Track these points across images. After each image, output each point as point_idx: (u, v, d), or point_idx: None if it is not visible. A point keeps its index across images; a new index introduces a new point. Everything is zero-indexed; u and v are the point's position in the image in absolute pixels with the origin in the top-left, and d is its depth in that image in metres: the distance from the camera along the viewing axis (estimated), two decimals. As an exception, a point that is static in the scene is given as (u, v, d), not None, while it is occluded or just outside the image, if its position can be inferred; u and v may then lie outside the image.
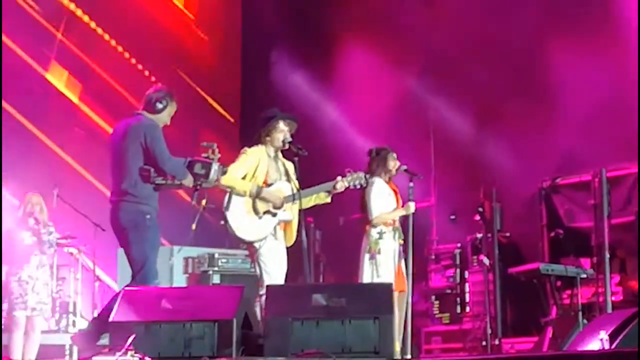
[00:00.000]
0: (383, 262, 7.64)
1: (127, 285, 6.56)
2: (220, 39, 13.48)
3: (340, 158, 11.00)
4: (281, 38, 12.73)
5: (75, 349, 9.53)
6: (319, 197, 7.21)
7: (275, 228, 7.02)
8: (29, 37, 11.61)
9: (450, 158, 11.44)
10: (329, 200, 7.27)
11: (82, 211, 9.97)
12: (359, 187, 7.30)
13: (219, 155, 6.58)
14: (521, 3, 10.87)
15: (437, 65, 11.84)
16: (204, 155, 6.61)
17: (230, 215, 6.92)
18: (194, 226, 7.39)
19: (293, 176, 7.15)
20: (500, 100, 10.97)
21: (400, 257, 7.74)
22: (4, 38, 11.18)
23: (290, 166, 7.20)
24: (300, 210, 7.06)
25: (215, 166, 6.53)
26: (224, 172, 6.66)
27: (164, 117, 6.74)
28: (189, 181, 6.56)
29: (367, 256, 7.70)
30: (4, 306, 8.18)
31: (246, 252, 9.10)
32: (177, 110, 6.85)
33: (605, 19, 10.12)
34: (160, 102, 6.67)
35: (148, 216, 6.50)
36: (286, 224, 7.10)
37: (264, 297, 6.58)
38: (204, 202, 6.82)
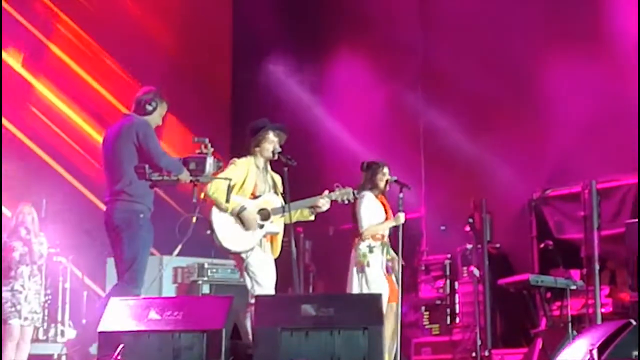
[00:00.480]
0: (372, 276, 7.63)
1: (114, 286, 6.57)
2: (210, 44, 13.44)
3: (331, 168, 11.04)
4: (272, 47, 12.71)
5: (63, 358, 9.52)
6: (302, 214, 7.14)
7: (261, 240, 6.99)
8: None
9: (440, 169, 11.45)
10: (312, 218, 7.22)
11: (71, 220, 9.94)
12: (347, 202, 7.26)
13: (212, 149, 6.60)
14: (514, 15, 10.89)
15: (429, 76, 11.88)
16: (197, 151, 6.62)
17: (216, 225, 6.89)
18: (194, 219, 7.41)
19: (280, 189, 7.13)
20: (491, 111, 11.00)
21: (391, 270, 7.72)
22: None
23: (278, 179, 7.17)
24: (286, 224, 7.04)
25: (209, 160, 6.57)
26: (219, 166, 6.67)
27: (155, 118, 6.76)
28: (185, 176, 6.56)
29: (354, 269, 7.69)
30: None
31: (235, 262, 9.12)
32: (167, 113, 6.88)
33: (598, 31, 10.14)
34: (150, 104, 6.70)
35: (141, 215, 6.51)
36: (272, 236, 7.08)
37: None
38: (202, 195, 6.82)
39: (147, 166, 6.52)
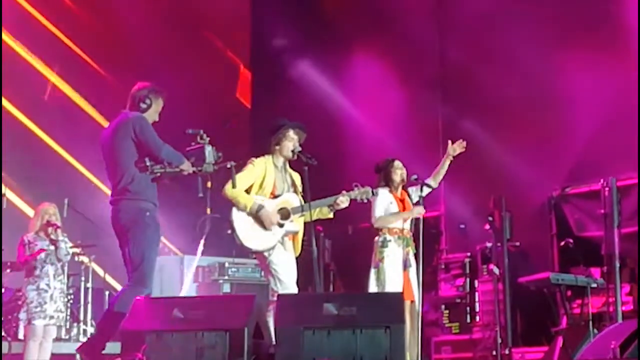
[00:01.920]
0: (387, 271, 7.64)
1: (123, 287, 6.53)
2: (229, 47, 13.50)
3: (351, 167, 11.06)
4: (291, 48, 12.75)
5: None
6: (321, 212, 7.15)
7: (283, 239, 7.03)
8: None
9: (460, 167, 11.43)
10: (331, 215, 7.23)
11: (93, 220, 9.99)
12: (365, 201, 7.29)
13: (209, 139, 6.53)
14: (531, 13, 10.88)
15: (448, 75, 11.89)
16: (193, 143, 6.56)
17: (237, 225, 6.92)
18: (209, 210, 7.42)
19: (299, 188, 7.15)
20: (510, 109, 10.99)
21: (407, 265, 7.72)
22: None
23: (297, 177, 7.19)
24: (306, 222, 7.07)
25: (208, 148, 6.51)
26: (219, 156, 6.58)
27: (151, 115, 6.65)
28: (187, 166, 6.49)
29: (376, 265, 7.72)
30: (22, 315, 8.22)
31: (256, 262, 9.16)
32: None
33: (615, 29, 10.14)
34: (144, 102, 6.61)
35: (147, 213, 6.45)
36: (294, 235, 7.11)
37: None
38: (209, 184, 6.79)
39: (147, 159, 6.43)
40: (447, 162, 8.04)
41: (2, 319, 9.27)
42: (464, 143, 8.03)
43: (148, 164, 6.43)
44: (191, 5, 12.97)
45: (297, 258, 7.14)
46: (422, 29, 12.10)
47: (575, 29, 10.53)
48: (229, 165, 6.66)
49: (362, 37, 12.44)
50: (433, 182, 8.01)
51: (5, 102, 11.20)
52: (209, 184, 6.76)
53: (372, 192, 7.30)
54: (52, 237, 8.26)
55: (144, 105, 6.61)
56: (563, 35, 10.63)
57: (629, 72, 9.93)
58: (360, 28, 12.48)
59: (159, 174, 6.49)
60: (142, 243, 6.44)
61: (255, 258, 7.38)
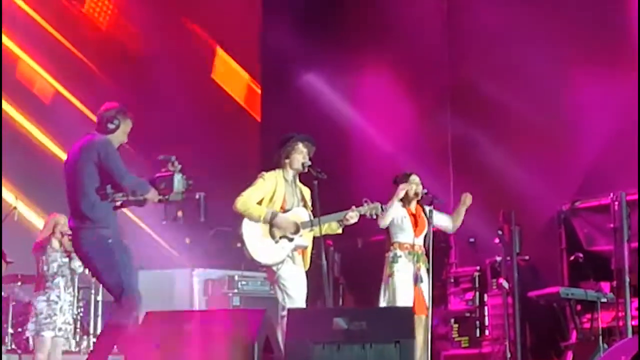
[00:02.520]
0: (397, 286, 7.65)
1: (113, 310, 6.43)
2: (239, 62, 13.55)
3: (361, 181, 11.07)
4: (300, 63, 12.77)
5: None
6: (330, 227, 7.17)
7: (293, 253, 7.04)
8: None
9: (469, 181, 11.45)
10: (340, 231, 7.26)
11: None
12: (375, 217, 7.30)
13: (180, 167, 6.41)
14: (541, 27, 10.91)
15: (457, 88, 11.91)
16: (163, 169, 6.44)
17: (247, 238, 6.94)
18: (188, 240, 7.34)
19: (309, 202, 7.16)
20: (520, 123, 11.00)
21: (418, 281, 7.73)
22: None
23: (306, 192, 7.20)
24: (315, 237, 7.09)
25: (177, 177, 6.37)
26: (189, 185, 6.45)
27: (119, 136, 6.51)
28: (152, 195, 6.37)
29: (387, 280, 7.74)
30: (31, 326, 8.23)
31: (266, 274, 9.18)
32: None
33: (625, 43, 10.15)
34: (112, 122, 6.45)
35: (110, 240, 6.30)
36: (303, 249, 7.12)
37: (285, 320, 6.61)
38: (179, 213, 6.67)
39: (109, 187, 6.28)
40: (463, 210, 8.02)
41: (13, 331, 9.31)
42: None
43: (109, 191, 6.29)
44: (201, 19, 13.05)
45: (306, 272, 7.16)
46: (432, 42, 12.13)
47: (585, 43, 10.53)
48: (197, 196, 6.53)
49: (372, 50, 12.45)
50: (451, 224, 8.03)
51: (12, 110, 11.24)
52: (179, 214, 6.71)
53: (382, 207, 7.31)
54: (67, 247, 8.27)
55: (111, 126, 6.46)
56: (573, 49, 10.64)
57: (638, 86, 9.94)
58: (370, 41, 12.51)
59: (120, 203, 6.36)
60: (114, 270, 6.31)
61: (264, 271, 7.38)
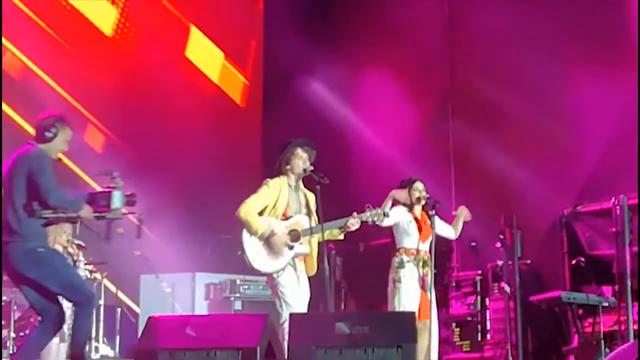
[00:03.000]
0: (405, 291, 7.67)
1: (75, 313, 6.42)
2: (240, 66, 13.54)
3: (362, 185, 11.08)
4: (301, 68, 12.77)
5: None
6: (332, 233, 7.16)
7: (294, 260, 7.05)
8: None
9: (471, 185, 11.47)
10: (341, 237, 7.26)
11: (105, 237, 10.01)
12: (377, 223, 7.32)
13: (122, 183, 6.31)
14: (542, 30, 10.92)
15: (459, 92, 11.92)
16: (104, 185, 6.35)
17: (247, 246, 6.96)
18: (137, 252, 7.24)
19: (313, 208, 7.16)
20: (522, 126, 11.01)
21: (426, 286, 7.75)
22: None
23: (311, 197, 7.19)
24: (319, 242, 7.10)
25: (116, 194, 6.25)
26: (132, 201, 6.36)
27: (57, 145, 6.40)
28: (86, 212, 6.24)
29: (390, 285, 7.76)
30: None
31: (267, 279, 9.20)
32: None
33: (626, 46, 10.16)
34: (49, 131, 6.33)
35: (40, 249, 6.22)
36: (306, 256, 7.12)
37: (284, 327, 6.62)
38: (120, 230, 6.62)
39: (36, 203, 6.15)
40: (461, 223, 8.05)
41: (15, 335, 9.31)
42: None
43: (36, 208, 6.17)
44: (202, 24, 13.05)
45: (309, 276, 7.16)
46: (433, 45, 12.14)
47: (586, 46, 10.55)
48: (137, 216, 6.46)
49: (373, 54, 12.46)
50: (454, 235, 8.08)
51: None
52: (120, 230, 6.65)
53: (384, 213, 7.32)
54: (74, 257, 8.26)
55: (49, 135, 6.35)
56: (574, 52, 10.66)
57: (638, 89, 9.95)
58: (371, 44, 12.51)
59: (49, 219, 6.23)
60: (57, 274, 6.27)
61: (265, 276, 7.38)
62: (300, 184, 7.22)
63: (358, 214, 7.14)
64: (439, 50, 12.15)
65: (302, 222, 7.06)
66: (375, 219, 7.21)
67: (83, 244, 8.34)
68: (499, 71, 11.26)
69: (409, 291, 7.68)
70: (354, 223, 7.11)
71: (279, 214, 7.04)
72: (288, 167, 7.14)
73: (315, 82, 12.73)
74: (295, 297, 6.96)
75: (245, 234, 6.95)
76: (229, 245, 7.30)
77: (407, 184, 7.94)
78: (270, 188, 7.06)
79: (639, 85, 9.70)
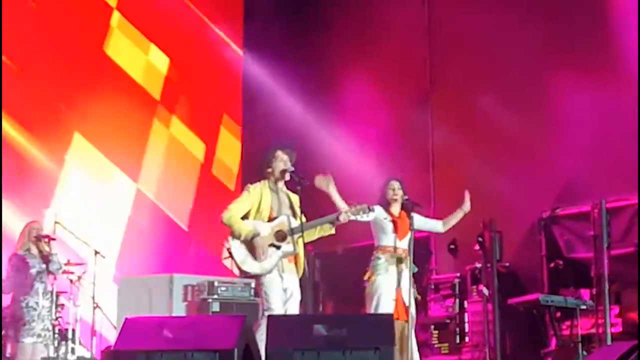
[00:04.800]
0: (379, 290, 7.65)
1: None
2: (219, 63, 13.48)
3: (342, 186, 11.06)
4: (281, 68, 12.76)
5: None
6: (322, 229, 7.21)
7: (282, 261, 7.04)
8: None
9: (450, 187, 11.47)
10: (333, 231, 7.30)
11: (82, 238, 9.98)
12: (361, 219, 7.33)
13: None
14: (522, 33, 10.95)
15: (438, 94, 11.94)
16: None
17: (234, 249, 6.97)
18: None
19: (298, 209, 7.17)
20: (500, 130, 11.04)
21: (401, 282, 7.72)
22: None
23: (295, 198, 7.21)
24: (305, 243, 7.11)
25: None
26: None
27: None
28: None
29: (367, 283, 7.75)
30: (10, 333, 8.16)
31: (245, 281, 9.19)
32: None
33: (605, 51, 10.21)
34: None
35: None
36: (294, 256, 7.12)
37: (262, 327, 6.59)
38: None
39: None
40: (461, 215, 8.02)
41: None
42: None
43: None
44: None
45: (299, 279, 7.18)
46: (413, 46, 12.16)
47: (566, 49, 10.60)
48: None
49: (353, 55, 12.48)
50: (442, 227, 8.05)
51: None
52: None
53: (368, 208, 7.33)
54: (44, 252, 8.21)
55: None
56: (553, 57, 10.70)
57: (619, 94, 9.99)
58: (351, 45, 12.53)
59: None
60: None
61: (248, 277, 7.37)
62: (283, 186, 7.22)
63: (351, 208, 7.17)
64: (419, 52, 12.16)
65: (286, 222, 7.07)
66: (360, 214, 7.24)
67: (53, 237, 8.27)
68: (478, 74, 11.29)
69: (384, 290, 7.65)
70: (345, 218, 7.15)
71: (265, 217, 7.08)
72: (269, 170, 7.18)
73: (293, 84, 12.69)
74: (278, 298, 6.97)
75: (231, 239, 6.97)
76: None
77: (383, 183, 7.94)
78: (251, 193, 7.12)
79: (639, 91, 9.71)
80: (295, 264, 7.13)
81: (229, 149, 13.15)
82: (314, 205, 7.22)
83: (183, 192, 12.59)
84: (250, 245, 6.97)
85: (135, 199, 12.12)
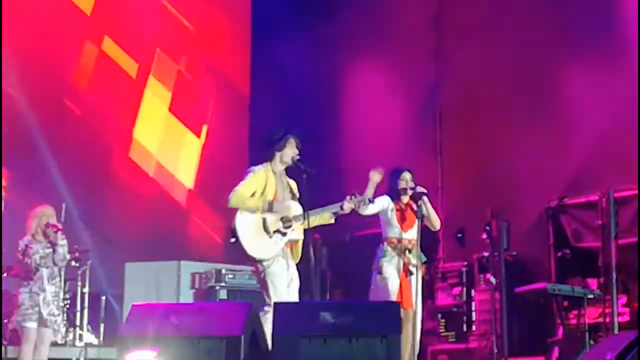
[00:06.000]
0: (384, 280, 7.67)
1: None
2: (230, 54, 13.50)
3: (349, 176, 11.07)
4: (290, 60, 12.73)
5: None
6: (322, 217, 7.22)
7: (282, 248, 7.04)
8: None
9: (457, 176, 11.48)
10: (332, 221, 7.30)
11: (90, 225, 10.01)
12: (361, 211, 7.32)
13: None
14: (532, 24, 10.92)
15: (447, 84, 11.91)
16: None
17: (241, 233, 6.93)
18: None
19: (296, 194, 7.19)
20: (509, 119, 11.01)
21: (408, 274, 7.73)
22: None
23: (293, 184, 7.24)
24: (305, 229, 7.10)
25: None
26: None
27: None
28: None
29: (374, 274, 7.76)
30: (15, 317, 8.19)
31: (253, 268, 9.17)
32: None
33: (616, 40, 10.17)
34: None
35: None
36: (292, 243, 7.12)
37: (269, 314, 6.59)
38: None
39: None
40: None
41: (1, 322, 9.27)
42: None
43: None
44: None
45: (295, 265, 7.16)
46: (421, 35, 12.13)
47: (576, 39, 10.56)
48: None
49: (362, 48, 12.46)
50: (437, 224, 8.04)
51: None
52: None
53: (368, 200, 7.33)
54: (52, 239, 8.23)
55: None
56: (564, 45, 10.67)
57: (629, 83, 9.95)
58: (361, 33, 12.51)
59: None
60: None
61: (251, 265, 7.35)
62: (284, 171, 7.21)
63: (350, 198, 7.15)
64: (428, 40, 12.14)
65: (292, 208, 7.07)
66: (360, 205, 7.23)
67: (60, 226, 8.27)
68: (487, 63, 11.26)
69: (389, 280, 7.67)
70: (348, 207, 7.16)
71: (269, 200, 7.02)
72: (279, 154, 7.14)
73: (306, 72, 12.68)
74: (285, 286, 6.96)
75: (238, 221, 6.92)
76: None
77: (395, 174, 7.93)
78: (257, 175, 7.08)
79: (639, 80, 9.68)
80: (292, 249, 7.12)
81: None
82: (318, 192, 7.18)
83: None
84: (258, 228, 6.94)
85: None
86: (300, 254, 7.14)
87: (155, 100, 12.60)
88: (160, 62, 12.68)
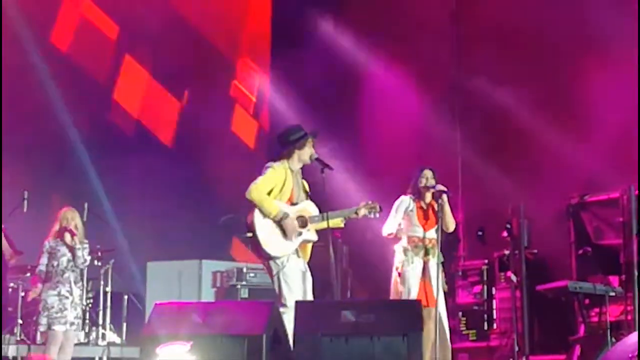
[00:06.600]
0: (405, 279, 7.68)
1: None
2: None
3: (368, 174, 11.09)
4: (311, 49, 12.75)
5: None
6: (335, 220, 7.18)
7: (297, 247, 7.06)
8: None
9: (478, 174, 11.46)
10: (342, 225, 7.31)
11: (113, 225, 10.07)
12: (372, 217, 7.32)
13: None
14: (549, 23, 10.89)
15: (465, 83, 11.90)
16: None
17: (259, 229, 6.92)
18: None
19: (309, 194, 7.19)
20: (528, 117, 10.98)
21: (427, 273, 7.75)
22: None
23: (306, 184, 7.25)
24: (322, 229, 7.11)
25: None
26: None
27: None
28: None
29: (394, 273, 7.77)
30: (43, 320, 8.24)
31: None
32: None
33: (636, 34, 10.13)
34: None
35: None
36: (305, 243, 7.12)
37: (285, 315, 6.58)
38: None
39: None
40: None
41: (22, 322, 9.35)
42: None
43: None
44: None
45: (315, 264, 7.17)
46: (440, 36, 12.12)
47: (598, 34, 10.51)
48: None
49: (383, 40, 12.46)
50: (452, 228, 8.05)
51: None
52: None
53: (380, 208, 7.33)
54: (69, 243, 8.29)
55: None
56: (584, 43, 10.63)
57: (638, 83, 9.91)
58: (382, 30, 12.50)
59: None
60: None
61: (262, 263, 7.33)
62: (300, 170, 7.21)
63: (365, 204, 7.17)
64: (446, 41, 12.14)
65: (309, 208, 7.08)
66: (372, 213, 7.23)
67: (75, 231, 8.31)
68: (508, 59, 11.23)
69: (410, 279, 7.68)
70: (363, 213, 7.18)
71: (285, 199, 7.04)
72: (298, 152, 7.12)
73: (322, 77, 12.69)
74: (301, 284, 6.96)
75: (257, 216, 6.91)
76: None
77: (416, 173, 7.94)
78: (276, 171, 7.05)
79: (639, 82, 9.65)
80: (303, 249, 7.11)
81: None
82: (319, 194, 7.19)
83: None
84: (276, 226, 6.93)
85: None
86: (309, 254, 7.13)
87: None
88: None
